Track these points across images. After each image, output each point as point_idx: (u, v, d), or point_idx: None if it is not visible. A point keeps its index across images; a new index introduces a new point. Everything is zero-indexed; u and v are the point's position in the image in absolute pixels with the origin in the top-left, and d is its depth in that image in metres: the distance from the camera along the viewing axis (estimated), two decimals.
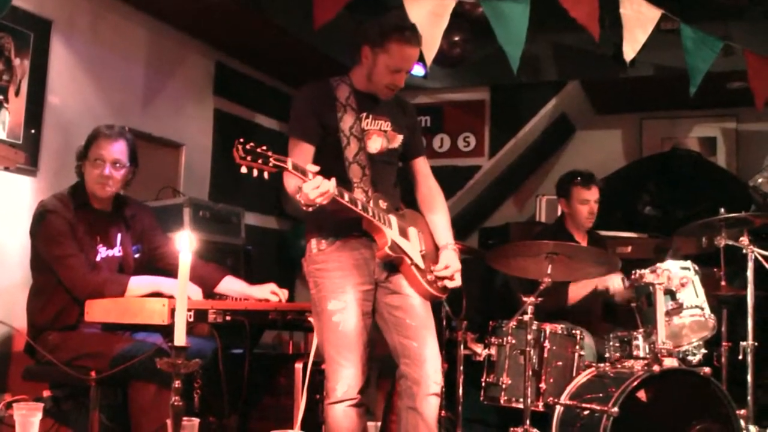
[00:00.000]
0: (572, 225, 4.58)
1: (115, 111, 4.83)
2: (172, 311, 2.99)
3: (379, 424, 4.04)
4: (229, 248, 4.79)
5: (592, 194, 4.52)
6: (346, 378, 2.96)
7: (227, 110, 5.98)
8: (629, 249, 4.74)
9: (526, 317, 3.61)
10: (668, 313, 3.80)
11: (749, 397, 3.80)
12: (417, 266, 3.10)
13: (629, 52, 4.32)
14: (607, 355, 3.83)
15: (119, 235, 3.62)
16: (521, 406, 3.65)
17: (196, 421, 2.48)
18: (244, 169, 2.66)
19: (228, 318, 3.29)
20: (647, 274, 3.79)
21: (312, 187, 2.72)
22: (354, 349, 2.98)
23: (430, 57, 4.12)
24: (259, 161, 2.65)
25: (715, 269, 4.22)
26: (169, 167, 5.47)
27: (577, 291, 4.30)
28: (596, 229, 4.74)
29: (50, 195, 3.55)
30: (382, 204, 3.08)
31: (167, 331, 2.95)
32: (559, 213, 4.74)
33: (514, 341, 3.85)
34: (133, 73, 5.10)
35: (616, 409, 3.26)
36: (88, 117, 4.51)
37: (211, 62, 5.81)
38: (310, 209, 2.79)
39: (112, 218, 3.62)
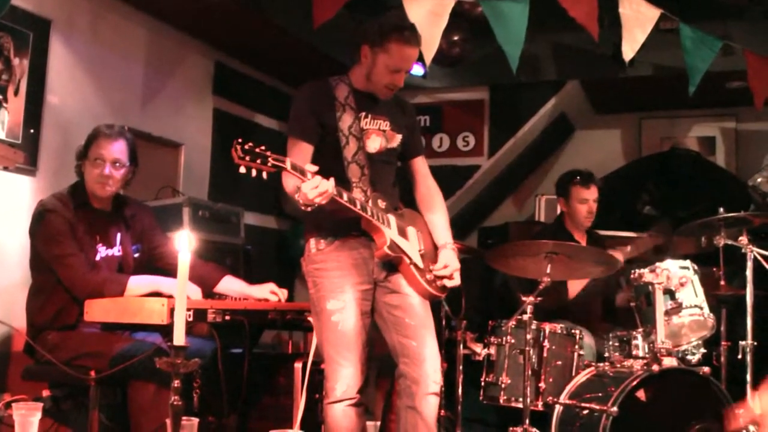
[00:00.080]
0: (571, 224, 4.58)
1: (115, 111, 4.83)
2: (172, 311, 2.99)
3: (379, 423, 4.04)
4: (229, 248, 4.79)
5: (591, 193, 4.52)
6: (345, 377, 2.96)
7: (227, 110, 5.98)
8: (628, 249, 4.74)
9: (526, 317, 3.61)
10: (667, 313, 3.81)
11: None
12: (416, 266, 3.10)
13: (628, 51, 4.32)
14: (606, 354, 3.83)
15: (119, 235, 3.62)
16: (521, 405, 3.65)
17: (196, 420, 2.48)
18: (242, 169, 2.66)
19: (227, 318, 3.29)
20: (646, 274, 3.80)
21: (311, 187, 2.72)
22: (353, 348, 2.98)
23: (429, 56, 4.13)
24: (258, 161, 2.66)
25: (715, 269, 4.22)
26: (168, 167, 5.47)
27: (576, 283, 4.31)
28: (595, 228, 4.74)
29: (50, 194, 3.55)
30: (381, 203, 3.08)
31: (166, 330, 2.95)
32: (559, 212, 4.74)
33: (513, 341, 3.85)
34: (132, 73, 5.09)
35: (615, 408, 3.27)
36: (87, 117, 4.51)
37: (210, 62, 5.81)
38: (309, 209, 2.79)
39: (111, 218, 3.62)
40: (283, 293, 3.71)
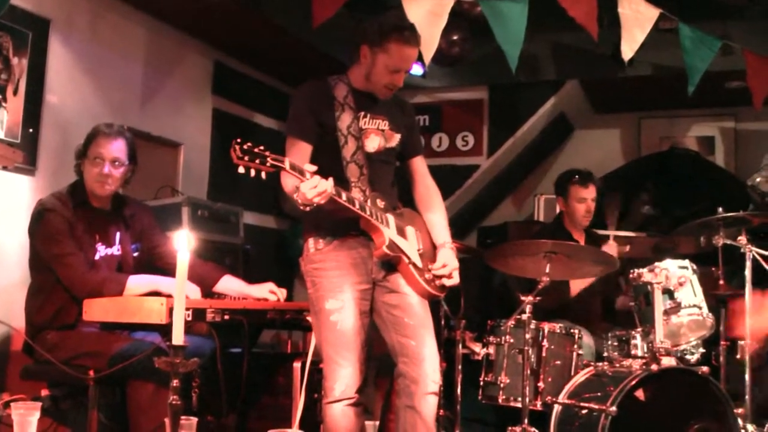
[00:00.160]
0: (570, 224, 4.59)
1: (114, 110, 4.83)
2: (171, 310, 2.99)
3: (378, 423, 4.03)
4: (228, 247, 4.79)
5: (590, 193, 4.52)
6: (344, 377, 2.96)
7: (226, 109, 5.98)
8: (627, 248, 4.74)
9: (525, 316, 3.62)
10: (666, 312, 3.81)
11: (747, 396, 3.80)
12: (415, 265, 3.10)
13: (627, 51, 4.32)
14: (605, 354, 3.83)
15: (118, 234, 3.62)
16: (519, 405, 3.65)
17: (194, 420, 2.48)
18: (241, 169, 2.66)
19: (226, 317, 3.29)
20: (645, 274, 3.80)
21: (309, 187, 2.72)
22: (352, 348, 2.98)
23: (428, 56, 4.13)
24: (257, 161, 2.66)
25: (714, 268, 4.22)
26: (167, 166, 5.47)
27: (578, 281, 4.31)
28: (594, 228, 4.74)
29: (49, 194, 3.55)
30: (380, 203, 3.08)
31: (165, 330, 2.95)
32: (558, 212, 4.75)
33: (512, 340, 3.85)
34: (131, 73, 5.09)
35: (614, 408, 3.27)
36: (86, 116, 4.51)
37: (209, 61, 5.81)
38: (308, 209, 2.79)
39: (111, 217, 3.62)
40: (282, 293, 3.71)
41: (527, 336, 3.63)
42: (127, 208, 3.69)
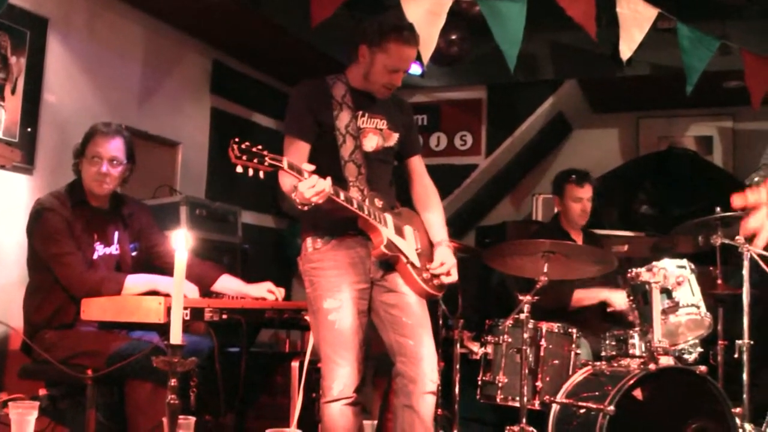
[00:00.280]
0: (567, 223, 4.59)
1: (112, 109, 4.82)
2: (168, 309, 2.99)
3: (376, 422, 4.03)
4: (226, 247, 4.79)
5: (586, 192, 4.53)
6: (342, 377, 2.96)
7: (224, 109, 5.98)
8: (625, 248, 4.74)
9: (523, 316, 3.62)
10: (664, 312, 3.81)
11: (745, 396, 3.80)
12: (413, 264, 3.10)
13: (626, 51, 4.32)
14: (603, 353, 3.83)
15: (116, 233, 3.62)
16: (518, 404, 3.65)
17: (192, 419, 2.48)
18: (239, 169, 2.66)
19: (224, 316, 3.29)
20: (643, 273, 3.80)
21: (307, 186, 2.72)
22: (350, 347, 2.98)
23: (427, 56, 4.13)
24: (255, 161, 2.65)
25: (712, 268, 4.22)
26: (165, 166, 5.47)
27: (583, 296, 4.31)
28: (592, 227, 4.74)
29: (47, 193, 3.55)
30: (378, 203, 3.08)
31: (163, 329, 2.95)
32: (555, 212, 4.75)
33: (510, 340, 3.86)
34: (129, 72, 5.09)
35: (612, 407, 3.27)
36: (84, 115, 4.51)
37: (208, 60, 5.81)
38: (306, 208, 2.80)
39: (109, 216, 3.62)
40: (280, 292, 3.71)
41: (525, 335, 3.63)
42: (125, 208, 3.69)
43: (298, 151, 3.00)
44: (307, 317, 3.26)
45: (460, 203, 6.77)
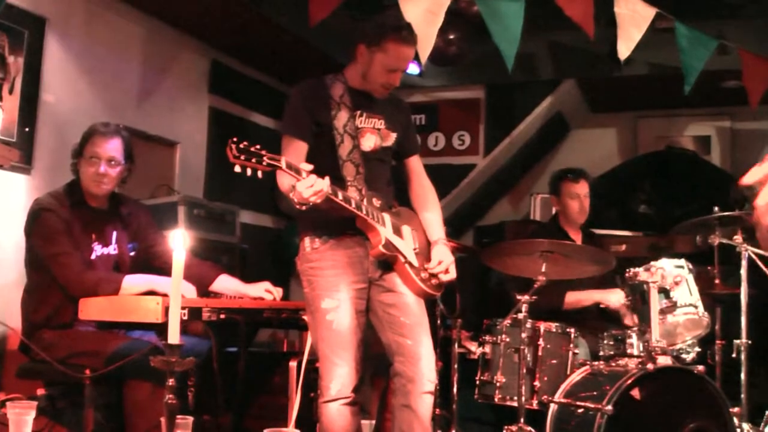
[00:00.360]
0: (566, 223, 4.59)
1: (110, 109, 4.82)
2: (167, 309, 2.98)
3: (374, 422, 4.05)
4: (224, 246, 4.79)
5: (582, 188, 4.53)
6: (340, 376, 2.96)
7: (222, 108, 5.98)
8: (623, 247, 4.75)
9: (521, 315, 3.62)
10: (662, 312, 3.81)
11: (743, 395, 3.80)
12: (411, 264, 3.11)
13: (624, 50, 4.31)
14: (601, 353, 3.83)
15: (115, 233, 3.61)
16: (516, 404, 3.65)
17: (191, 419, 2.48)
18: (237, 168, 2.65)
19: (222, 316, 3.28)
20: (641, 273, 3.80)
21: (306, 186, 2.72)
22: (348, 347, 2.98)
23: (425, 55, 4.12)
24: (253, 160, 2.65)
25: (710, 267, 4.22)
26: (163, 165, 5.47)
27: (576, 299, 4.31)
28: (591, 227, 4.74)
29: (45, 193, 3.54)
30: (376, 202, 3.09)
31: (162, 329, 2.94)
32: (554, 212, 4.75)
33: (508, 339, 3.85)
34: (128, 71, 5.09)
35: (610, 407, 3.27)
36: (82, 115, 4.50)
37: (206, 60, 5.81)
38: (304, 208, 2.80)
39: (108, 216, 3.61)
40: (278, 292, 3.71)
41: (523, 335, 3.63)
42: (123, 207, 3.69)
43: (296, 151, 3.00)
44: (305, 317, 3.26)
45: (458, 203, 6.77)
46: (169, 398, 2.13)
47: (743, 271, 3.88)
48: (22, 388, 3.50)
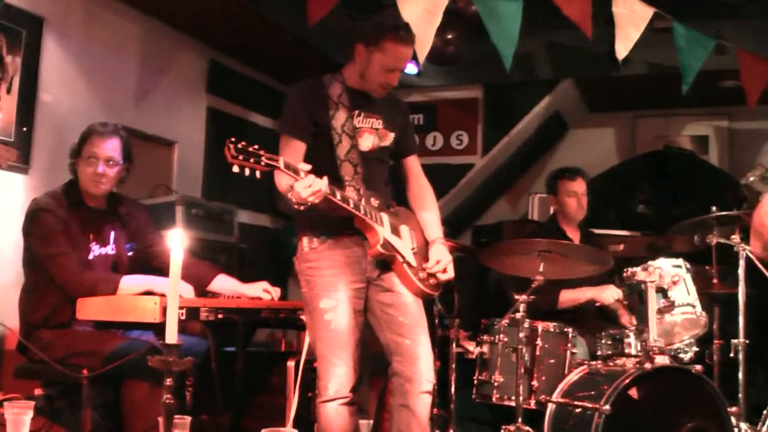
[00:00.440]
0: (564, 222, 4.59)
1: (108, 109, 4.82)
2: (164, 309, 2.98)
3: (372, 422, 4.04)
4: (222, 246, 4.79)
5: (578, 186, 4.53)
6: (338, 376, 2.96)
7: (220, 108, 5.98)
8: (621, 247, 4.75)
9: (519, 315, 3.62)
10: (660, 311, 3.81)
11: (741, 395, 3.80)
12: (409, 264, 3.11)
13: (622, 50, 4.32)
14: (599, 352, 3.84)
15: (113, 233, 3.61)
16: (513, 404, 3.65)
17: (189, 419, 2.48)
18: (236, 168, 2.65)
19: (220, 316, 3.29)
20: (639, 272, 3.80)
21: (304, 186, 2.72)
22: (346, 347, 2.98)
23: (423, 55, 4.12)
24: (251, 160, 2.65)
25: (707, 267, 4.23)
26: (161, 165, 5.47)
27: (570, 297, 4.30)
28: (589, 226, 4.74)
29: (43, 193, 3.54)
30: (374, 202, 3.09)
31: (160, 329, 2.94)
32: (552, 212, 4.75)
33: (506, 339, 3.86)
34: (126, 71, 5.09)
35: (608, 406, 3.27)
36: (80, 115, 4.50)
37: (204, 60, 5.81)
38: (302, 208, 2.80)
39: (106, 216, 3.61)
40: (276, 292, 3.71)
41: (521, 335, 3.63)
42: (122, 207, 3.69)
43: (295, 151, 3.00)
44: (303, 317, 3.25)
45: (456, 203, 6.77)
46: (167, 398, 2.14)
47: (741, 271, 3.88)
48: (20, 388, 3.50)
